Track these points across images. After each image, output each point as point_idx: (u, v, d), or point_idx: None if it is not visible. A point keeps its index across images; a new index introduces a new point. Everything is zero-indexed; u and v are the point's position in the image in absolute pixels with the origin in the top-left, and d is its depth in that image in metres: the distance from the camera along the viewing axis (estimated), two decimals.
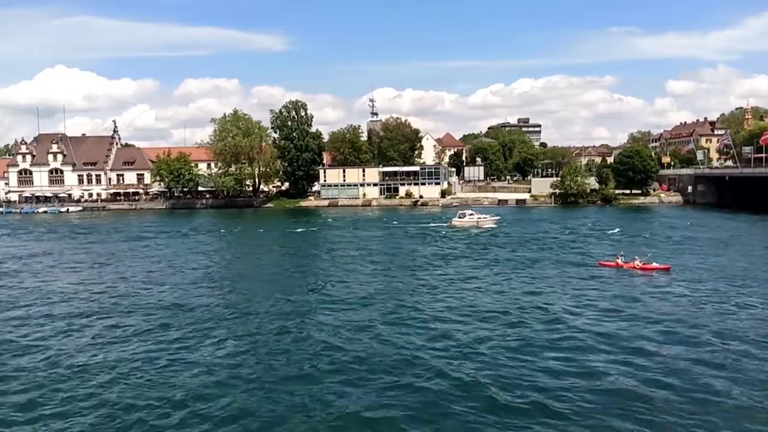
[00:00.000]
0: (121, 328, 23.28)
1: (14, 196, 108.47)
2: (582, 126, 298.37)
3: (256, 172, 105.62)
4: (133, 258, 43.52)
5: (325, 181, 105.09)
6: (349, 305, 26.56)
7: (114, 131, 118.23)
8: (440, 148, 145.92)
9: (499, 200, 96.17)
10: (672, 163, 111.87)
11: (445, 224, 62.96)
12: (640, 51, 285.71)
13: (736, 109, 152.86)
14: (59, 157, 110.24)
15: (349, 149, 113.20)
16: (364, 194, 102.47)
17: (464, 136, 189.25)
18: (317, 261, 40.93)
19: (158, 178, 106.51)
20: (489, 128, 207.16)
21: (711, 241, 46.83)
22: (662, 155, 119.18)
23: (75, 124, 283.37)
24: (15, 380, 17.95)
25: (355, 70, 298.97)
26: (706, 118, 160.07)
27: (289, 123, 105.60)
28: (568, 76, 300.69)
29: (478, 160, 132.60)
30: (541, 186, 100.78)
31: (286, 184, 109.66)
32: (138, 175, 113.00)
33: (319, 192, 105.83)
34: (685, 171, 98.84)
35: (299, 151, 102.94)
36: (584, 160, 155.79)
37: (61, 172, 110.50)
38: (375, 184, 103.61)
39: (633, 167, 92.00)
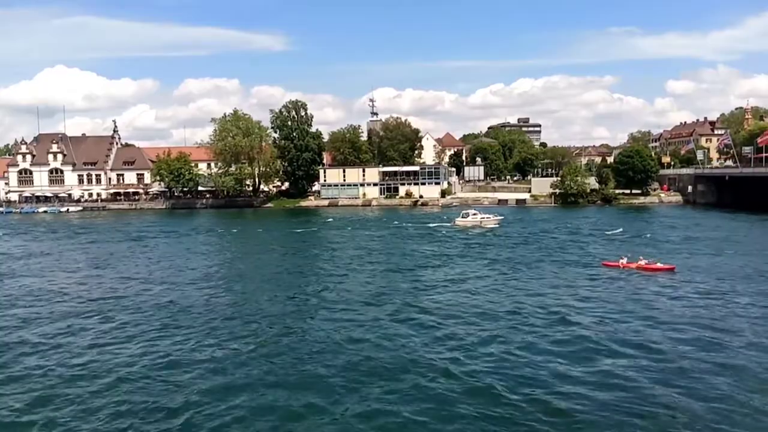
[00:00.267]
0: (121, 329, 23.22)
1: (14, 196, 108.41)
2: (582, 126, 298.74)
3: (256, 172, 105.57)
4: (133, 258, 43.46)
5: (325, 181, 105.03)
6: (350, 305, 26.46)
7: (114, 131, 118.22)
8: (440, 148, 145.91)
9: (499, 200, 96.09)
10: (672, 163, 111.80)
11: (446, 224, 62.98)
12: (640, 51, 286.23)
13: (736, 109, 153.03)
14: (59, 157, 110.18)
15: (349, 149, 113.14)
16: (364, 194, 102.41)
17: (464, 136, 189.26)
18: (317, 261, 40.86)
19: (158, 178, 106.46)
20: (489, 128, 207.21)
21: (713, 241, 46.76)
22: (662, 155, 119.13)
23: (75, 124, 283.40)
24: (15, 380, 17.88)
25: (355, 70, 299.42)
26: (706, 118, 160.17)
27: (289, 123, 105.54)
28: (568, 76, 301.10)
29: (478, 160, 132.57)
30: (541, 186, 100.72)
31: (286, 184, 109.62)
32: (138, 175, 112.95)
33: (319, 192, 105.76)
34: (685, 171, 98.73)
35: (299, 150, 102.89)
36: (584, 160, 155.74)
37: (61, 171, 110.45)
38: (375, 184, 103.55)
39: (633, 167, 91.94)
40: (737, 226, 58.69)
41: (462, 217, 62.67)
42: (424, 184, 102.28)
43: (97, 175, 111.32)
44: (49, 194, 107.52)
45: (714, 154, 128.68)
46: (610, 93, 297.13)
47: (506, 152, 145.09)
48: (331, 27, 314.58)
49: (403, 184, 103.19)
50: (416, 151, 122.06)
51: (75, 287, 32.16)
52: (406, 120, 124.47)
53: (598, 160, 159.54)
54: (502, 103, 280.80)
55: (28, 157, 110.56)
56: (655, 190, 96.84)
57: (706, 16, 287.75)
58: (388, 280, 32.89)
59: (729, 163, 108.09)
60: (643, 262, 34.04)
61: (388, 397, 16.11)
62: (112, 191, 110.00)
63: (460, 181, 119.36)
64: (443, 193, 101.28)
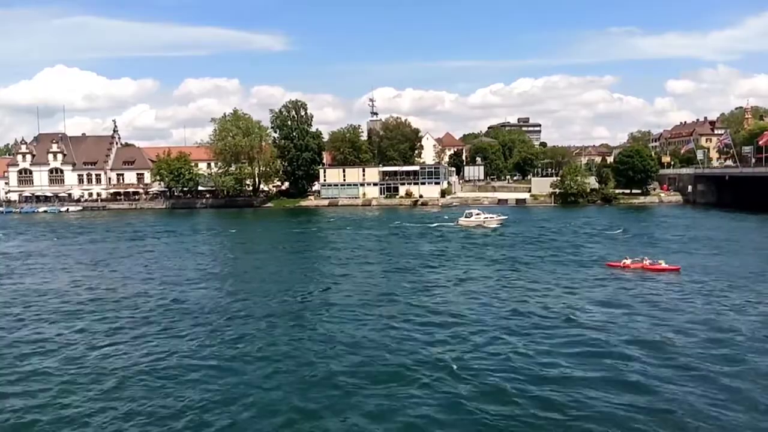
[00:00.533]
0: (121, 329, 23.16)
1: (14, 196, 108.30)
2: (582, 126, 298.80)
3: (256, 172, 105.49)
4: (133, 258, 43.38)
5: (325, 180, 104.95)
6: (353, 305, 26.39)
7: (114, 131, 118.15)
8: (440, 147, 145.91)
9: (499, 200, 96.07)
10: (672, 163, 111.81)
11: (446, 224, 62.94)
12: (640, 51, 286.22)
13: (736, 108, 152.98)
14: (59, 156, 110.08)
15: (349, 149, 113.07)
16: (364, 194, 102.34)
17: (464, 135, 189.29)
18: (318, 261, 40.80)
19: (158, 177, 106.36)
20: (489, 128, 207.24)
21: (714, 241, 46.72)
22: (662, 155, 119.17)
23: (75, 124, 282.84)
24: (15, 381, 17.83)
25: (355, 70, 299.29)
26: (706, 118, 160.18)
27: (289, 123, 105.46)
28: (568, 76, 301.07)
29: (478, 159, 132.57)
30: (541, 185, 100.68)
31: (286, 184, 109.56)
32: (138, 174, 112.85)
33: (319, 192, 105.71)
34: (685, 171, 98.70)
35: (299, 150, 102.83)
36: (584, 160, 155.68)
37: (61, 171, 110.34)
38: (375, 184, 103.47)
39: (633, 167, 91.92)
40: (737, 226, 58.68)
41: (465, 217, 62.77)
42: (424, 183, 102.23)
43: (97, 175, 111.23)
44: (49, 194, 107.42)
45: (714, 154, 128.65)
46: (610, 93, 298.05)
47: (506, 152, 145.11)
48: (331, 27, 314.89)
49: (403, 184, 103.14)
50: (416, 151, 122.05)
51: (75, 287, 32.07)
52: (406, 120, 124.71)
53: (598, 159, 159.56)
54: (502, 103, 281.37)
55: (28, 157, 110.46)
56: (655, 189, 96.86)
57: (706, 16, 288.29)
58: (390, 280, 32.82)
59: (729, 162, 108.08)
60: (647, 263, 33.91)
61: (393, 398, 16.03)
62: (112, 191, 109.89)
63: (460, 181, 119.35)
64: (443, 193, 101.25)
